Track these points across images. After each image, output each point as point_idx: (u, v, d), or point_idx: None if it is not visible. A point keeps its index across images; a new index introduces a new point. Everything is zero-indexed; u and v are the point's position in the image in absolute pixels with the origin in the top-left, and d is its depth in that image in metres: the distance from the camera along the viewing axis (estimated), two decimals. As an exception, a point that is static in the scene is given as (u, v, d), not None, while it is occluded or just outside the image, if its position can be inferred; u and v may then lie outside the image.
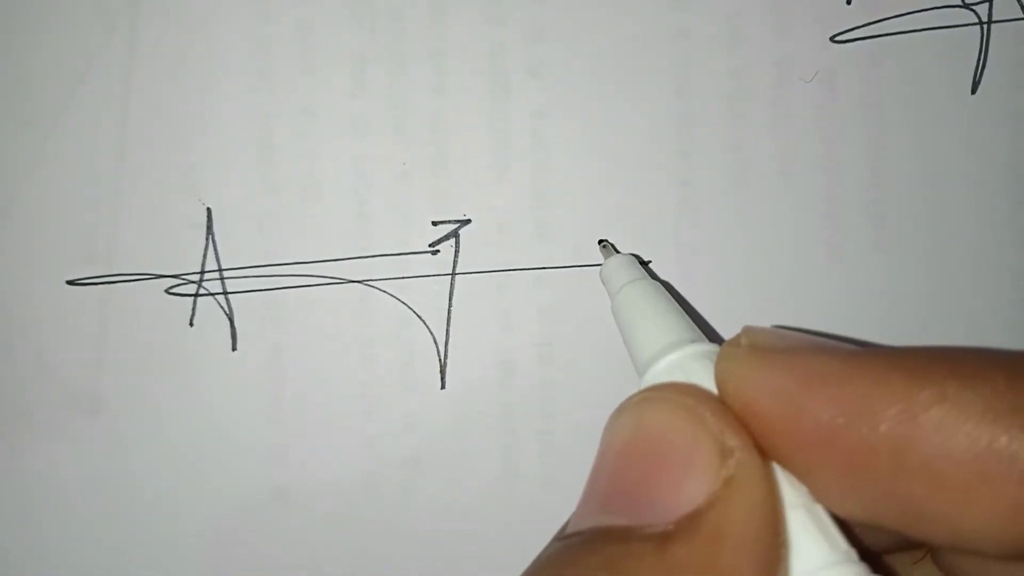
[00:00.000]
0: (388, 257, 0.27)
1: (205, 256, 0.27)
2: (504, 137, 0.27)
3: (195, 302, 0.27)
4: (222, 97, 0.27)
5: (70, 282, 0.27)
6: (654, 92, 0.27)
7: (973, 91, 0.27)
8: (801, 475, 0.16)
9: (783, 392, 0.15)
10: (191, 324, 0.27)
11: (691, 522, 0.15)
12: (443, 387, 0.27)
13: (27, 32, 0.27)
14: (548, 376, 0.27)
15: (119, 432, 0.27)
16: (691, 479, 0.15)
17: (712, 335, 0.26)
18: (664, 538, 0.15)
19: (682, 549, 0.15)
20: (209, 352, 0.27)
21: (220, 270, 0.27)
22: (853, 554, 0.15)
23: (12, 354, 0.27)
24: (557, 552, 0.16)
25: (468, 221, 0.27)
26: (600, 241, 0.26)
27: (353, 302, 0.27)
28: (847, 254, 0.27)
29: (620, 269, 0.24)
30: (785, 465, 0.16)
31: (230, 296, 0.27)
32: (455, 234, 0.27)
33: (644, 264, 0.27)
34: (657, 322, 0.20)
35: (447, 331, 0.27)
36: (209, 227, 0.27)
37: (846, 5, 0.27)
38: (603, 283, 0.25)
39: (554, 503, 0.27)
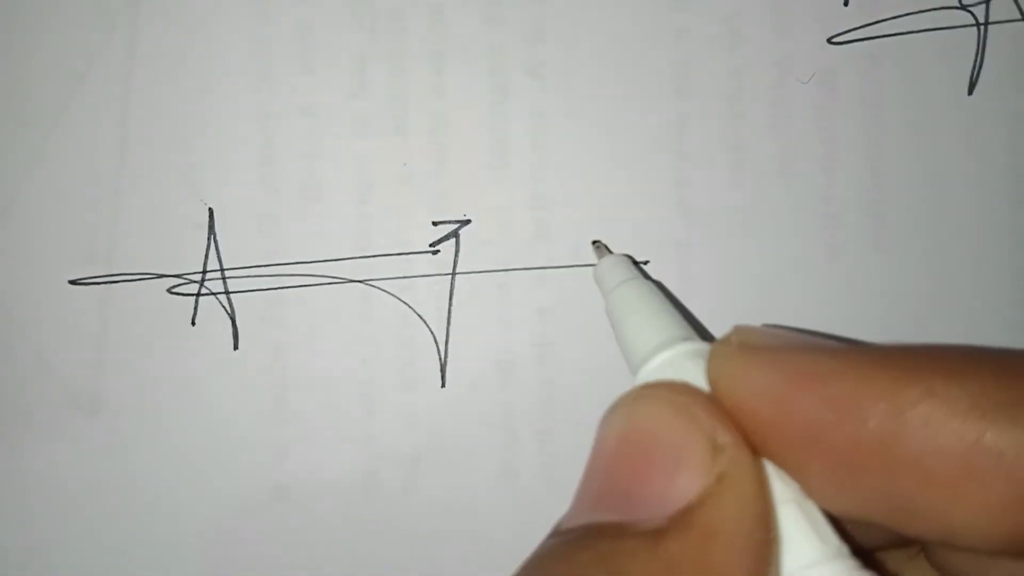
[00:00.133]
0: (388, 257, 0.27)
1: (207, 256, 0.27)
2: (504, 137, 0.27)
3: (197, 301, 0.27)
4: (222, 97, 0.27)
5: (71, 282, 0.27)
6: (654, 92, 0.27)
7: (970, 92, 0.27)
8: (792, 472, 0.16)
9: (773, 390, 0.15)
10: (193, 323, 0.27)
11: (684, 518, 0.15)
12: (443, 386, 0.27)
13: (27, 32, 0.27)
14: (548, 375, 0.27)
15: (119, 432, 0.27)
16: (683, 475, 0.15)
17: (705, 334, 0.26)
18: (657, 534, 0.15)
19: (675, 545, 0.15)
20: (210, 351, 0.27)
21: (222, 269, 0.27)
22: (844, 550, 0.15)
23: (12, 354, 0.27)
24: (551, 549, 0.16)
25: (468, 221, 0.27)
26: (593, 241, 0.26)
27: (354, 302, 0.27)
28: (846, 254, 0.27)
29: (613, 269, 0.24)
30: (776, 462, 0.16)
31: (232, 296, 0.27)
32: (455, 234, 0.27)
33: (638, 264, 0.27)
34: (650, 321, 0.21)
35: (447, 330, 0.27)
36: (211, 227, 0.27)
37: (844, 7, 0.27)
38: (596, 283, 0.25)
39: (553, 502, 0.26)
